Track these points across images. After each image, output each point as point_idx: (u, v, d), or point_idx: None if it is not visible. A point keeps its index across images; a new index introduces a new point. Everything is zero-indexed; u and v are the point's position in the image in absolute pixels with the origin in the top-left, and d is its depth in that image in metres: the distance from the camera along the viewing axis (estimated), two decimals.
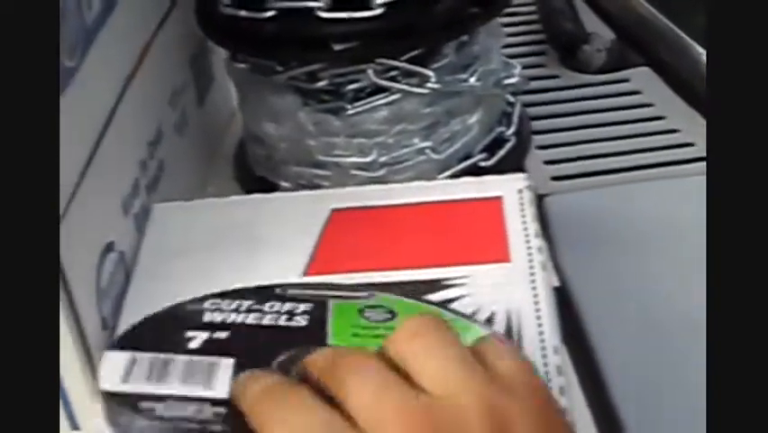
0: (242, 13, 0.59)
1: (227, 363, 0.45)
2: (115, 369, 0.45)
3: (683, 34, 0.77)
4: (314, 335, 0.46)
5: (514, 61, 0.68)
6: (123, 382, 0.45)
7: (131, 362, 0.46)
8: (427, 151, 0.62)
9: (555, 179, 0.68)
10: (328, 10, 0.56)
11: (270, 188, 0.65)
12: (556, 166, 0.70)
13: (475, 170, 0.63)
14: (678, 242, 0.60)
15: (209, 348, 0.46)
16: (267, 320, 0.47)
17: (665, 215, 0.63)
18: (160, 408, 0.44)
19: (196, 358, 0.45)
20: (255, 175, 0.67)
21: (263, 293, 0.49)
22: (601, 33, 0.81)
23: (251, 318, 0.47)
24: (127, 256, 0.53)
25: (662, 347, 0.54)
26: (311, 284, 0.49)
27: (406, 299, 0.48)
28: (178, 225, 0.55)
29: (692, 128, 0.71)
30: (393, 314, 0.47)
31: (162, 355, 0.45)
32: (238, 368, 0.44)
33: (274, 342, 0.46)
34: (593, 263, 0.60)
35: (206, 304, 0.48)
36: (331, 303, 0.47)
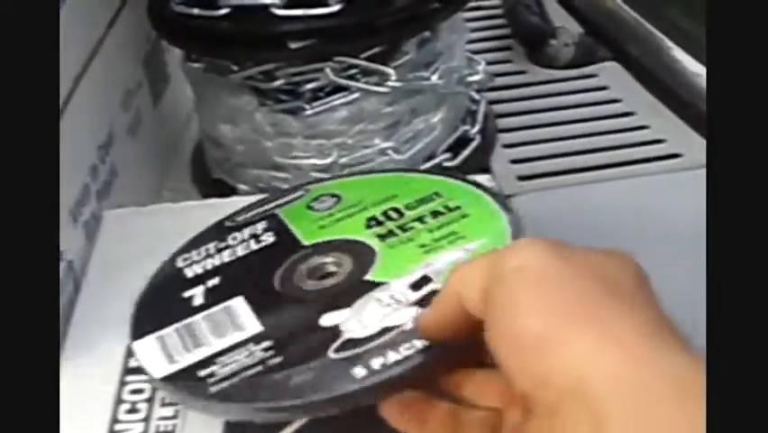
0: (195, 11, 0.57)
1: (239, 301, 0.44)
2: (153, 355, 0.43)
3: (652, 28, 0.76)
4: (287, 242, 0.47)
5: (478, 57, 0.67)
6: (171, 363, 0.42)
7: (161, 342, 0.43)
8: (389, 151, 0.60)
9: (522, 178, 0.66)
10: (284, 7, 0.55)
11: (229, 191, 0.63)
12: (523, 165, 0.68)
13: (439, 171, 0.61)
14: (650, 240, 0.59)
15: (212, 298, 0.45)
16: (240, 250, 0.48)
17: (636, 213, 0.62)
18: (216, 369, 0.41)
19: (209, 312, 0.44)
20: (213, 178, 0.65)
21: (219, 231, 0.50)
22: (569, 27, 0.80)
23: (226, 256, 0.48)
24: (76, 266, 0.51)
25: None
26: (251, 204, 0.51)
27: (342, 179, 0.53)
28: (131, 233, 0.53)
29: (662, 124, 0.70)
30: (338, 197, 0.50)
31: (181, 324, 0.44)
32: (249, 300, 0.44)
33: (261, 263, 0.47)
34: None
35: (179, 263, 0.48)
36: (279, 212, 0.50)
